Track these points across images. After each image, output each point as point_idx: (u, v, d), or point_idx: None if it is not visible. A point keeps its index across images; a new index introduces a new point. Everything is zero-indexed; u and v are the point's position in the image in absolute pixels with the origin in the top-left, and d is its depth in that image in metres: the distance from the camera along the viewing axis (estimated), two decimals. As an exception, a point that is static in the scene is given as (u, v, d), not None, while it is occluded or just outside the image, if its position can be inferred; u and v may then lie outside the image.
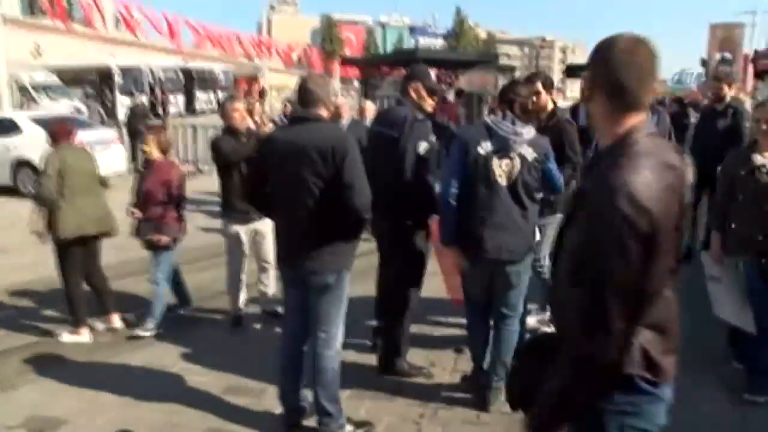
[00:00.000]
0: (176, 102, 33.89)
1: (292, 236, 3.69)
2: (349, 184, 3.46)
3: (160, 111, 30.76)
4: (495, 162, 3.77)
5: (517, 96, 3.97)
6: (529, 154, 3.84)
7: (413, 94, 4.30)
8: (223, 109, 5.46)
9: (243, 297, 5.81)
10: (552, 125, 4.87)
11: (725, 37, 48.90)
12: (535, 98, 4.67)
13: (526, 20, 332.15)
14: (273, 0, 47.72)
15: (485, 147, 3.81)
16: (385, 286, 4.69)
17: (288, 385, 3.91)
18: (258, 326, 5.82)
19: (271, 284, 5.84)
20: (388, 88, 13.93)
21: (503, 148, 3.81)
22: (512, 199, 3.84)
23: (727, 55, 48.41)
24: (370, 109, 8.53)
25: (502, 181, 3.80)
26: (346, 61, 24.02)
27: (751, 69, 30.82)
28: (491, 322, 4.22)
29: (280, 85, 49.54)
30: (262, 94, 40.05)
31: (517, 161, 3.80)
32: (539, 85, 4.95)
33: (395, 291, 4.51)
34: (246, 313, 5.92)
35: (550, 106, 5.04)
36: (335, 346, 3.78)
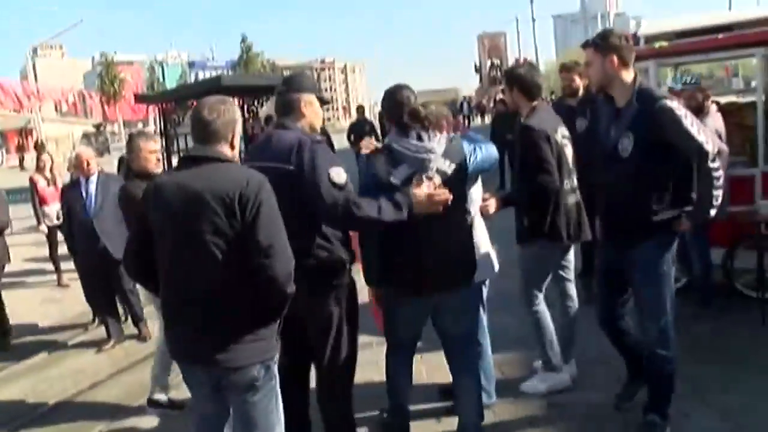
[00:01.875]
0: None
1: (190, 321, 2.65)
2: (264, 246, 2.52)
3: None
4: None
5: (407, 104, 3.41)
6: (448, 167, 3.28)
7: (305, 110, 3.25)
8: (132, 147, 4.41)
9: None
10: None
11: (492, 45, 53.71)
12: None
13: (298, 47, 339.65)
14: (35, 43, 43.39)
15: (399, 175, 3.21)
16: (322, 380, 3.40)
17: None
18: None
19: None
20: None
21: (420, 170, 3.22)
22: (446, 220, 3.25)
23: (496, 60, 53.20)
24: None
25: None
26: (140, 99, 22.21)
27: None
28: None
29: (57, 136, 45.40)
30: (38, 147, 36.49)
31: (438, 179, 3.24)
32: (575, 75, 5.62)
33: (335, 380, 3.36)
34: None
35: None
36: None
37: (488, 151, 3.59)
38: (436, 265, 3.24)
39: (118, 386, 5.16)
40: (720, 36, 5.18)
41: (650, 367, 3.56)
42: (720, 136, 5.01)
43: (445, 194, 3.11)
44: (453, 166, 3.28)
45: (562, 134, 4.03)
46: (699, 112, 5.10)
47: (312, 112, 3.27)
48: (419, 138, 3.25)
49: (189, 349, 2.71)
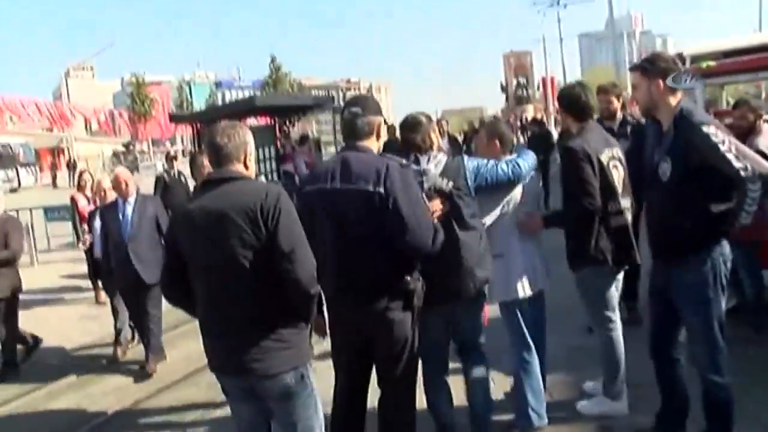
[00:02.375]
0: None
1: (225, 334, 2.80)
2: (287, 251, 2.66)
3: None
4: None
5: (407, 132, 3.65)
6: (445, 185, 3.47)
7: (381, 133, 3.31)
8: (196, 164, 4.63)
9: None
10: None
11: (518, 64, 53.53)
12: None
13: (326, 66, 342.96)
14: (69, 65, 44.40)
15: None
16: (384, 415, 3.39)
17: None
18: None
19: None
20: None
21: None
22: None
23: (522, 79, 53.03)
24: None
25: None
26: (174, 119, 22.53)
27: (551, 90, 33.75)
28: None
29: (87, 154, 46.24)
30: (71, 165, 37.12)
31: (436, 198, 3.46)
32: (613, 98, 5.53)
33: (396, 417, 3.37)
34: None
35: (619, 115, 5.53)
36: None
37: (524, 163, 3.80)
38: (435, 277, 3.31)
39: (160, 403, 5.17)
40: (769, 55, 5.11)
41: (705, 394, 3.46)
42: (772, 156, 4.91)
43: (436, 205, 3.38)
44: (450, 183, 3.48)
45: (611, 155, 3.95)
46: (751, 131, 5.03)
47: (383, 135, 3.33)
48: (416, 161, 3.50)
49: (225, 361, 2.85)
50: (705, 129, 3.12)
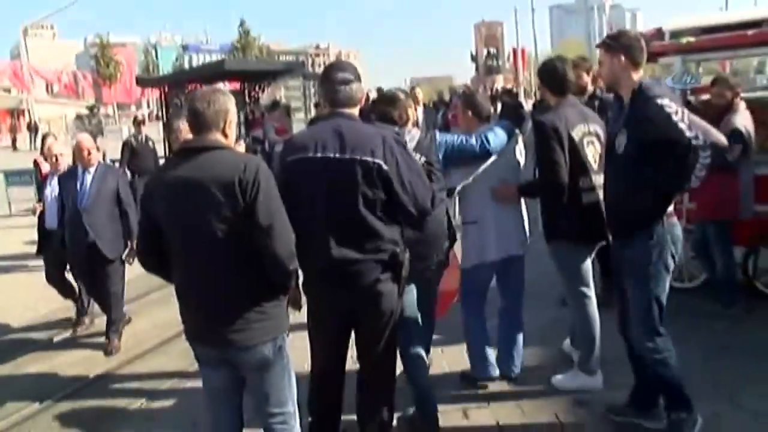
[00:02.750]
0: None
1: (203, 305, 2.78)
2: (265, 225, 2.63)
3: None
4: None
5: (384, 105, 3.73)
6: (419, 159, 3.42)
7: (362, 102, 3.24)
8: (172, 128, 4.38)
9: None
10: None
11: (489, 34, 53.40)
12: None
13: (295, 31, 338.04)
14: (27, 23, 42.63)
15: None
16: (370, 374, 3.36)
17: None
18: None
19: None
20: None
21: None
22: None
23: (492, 49, 52.93)
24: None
25: None
26: (142, 82, 21.95)
27: (521, 62, 33.67)
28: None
29: (49, 117, 44.94)
30: (32, 128, 36.05)
31: None
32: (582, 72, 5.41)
33: (384, 373, 3.36)
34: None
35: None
36: (295, 428, 2.99)
37: (494, 137, 3.95)
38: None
39: (133, 371, 5.10)
40: (749, 33, 5.10)
41: (642, 364, 3.55)
42: (749, 134, 4.95)
43: None
44: (423, 158, 3.51)
45: (586, 131, 3.93)
46: (728, 109, 5.04)
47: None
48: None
49: (203, 332, 2.83)
50: (659, 101, 3.17)
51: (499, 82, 40.44)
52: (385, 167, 2.92)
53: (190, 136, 2.96)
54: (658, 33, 5.67)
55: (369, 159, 2.92)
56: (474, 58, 52.29)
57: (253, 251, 2.67)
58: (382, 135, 3.01)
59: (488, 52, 53.60)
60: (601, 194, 3.83)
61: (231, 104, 2.83)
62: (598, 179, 3.87)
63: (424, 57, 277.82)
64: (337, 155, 2.93)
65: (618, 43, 3.38)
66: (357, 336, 3.26)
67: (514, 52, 35.73)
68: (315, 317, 3.23)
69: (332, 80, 3.07)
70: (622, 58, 3.31)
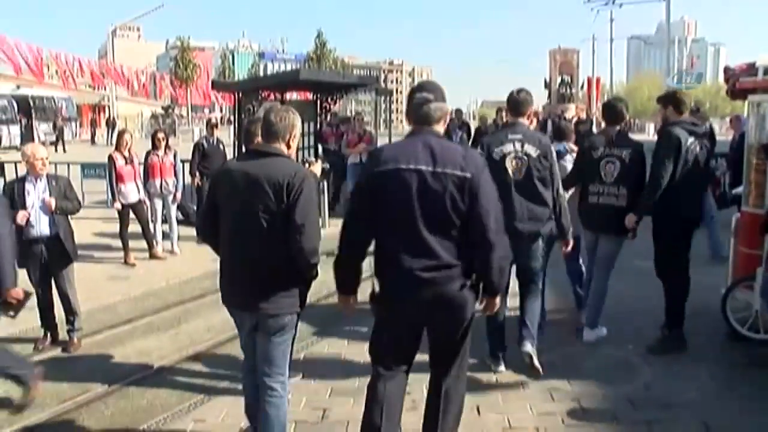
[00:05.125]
0: (9, 133, 30.51)
1: (242, 278, 3.46)
2: (299, 224, 3.24)
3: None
4: None
5: None
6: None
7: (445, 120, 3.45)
8: (248, 132, 4.47)
9: None
10: None
11: (564, 61, 52.62)
12: None
13: (369, 46, 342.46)
14: (116, 24, 44.66)
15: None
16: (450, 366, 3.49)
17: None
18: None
19: None
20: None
21: None
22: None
23: (567, 77, 52.13)
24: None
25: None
26: (217, 86, 22.46)
27: (596, 91, 33.14)
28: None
29: (127, 114, 46.69)
30: (110, 124, 37.48)
31: None
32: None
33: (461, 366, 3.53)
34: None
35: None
36: (287, 391, 3.63)
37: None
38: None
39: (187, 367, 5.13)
40: None
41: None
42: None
43: None
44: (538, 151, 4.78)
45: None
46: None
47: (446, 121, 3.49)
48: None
49: (240, 298, 3.51)
50: None
51: (571, 111, 39.76)
52: (471, 179, 3.11)
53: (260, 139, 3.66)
54: (750, 68, 5.40)
55: (458, 172, 3.10)
56: (547, 85, 51.60)
57: (285, 242, 3.26)
58: (468, 150, 3.39)
59: (562, 80, 52.76)
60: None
61: (297, 121, 3.48)
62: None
63: (497, 79, 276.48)
64: (430, 168, 3.11)
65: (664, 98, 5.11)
66: (431, 338, 3.40)
67: (589, 80, 35.16)
68: (389, 321, 3.36)
69: (411, 99, 3.33)
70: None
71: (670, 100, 5.24)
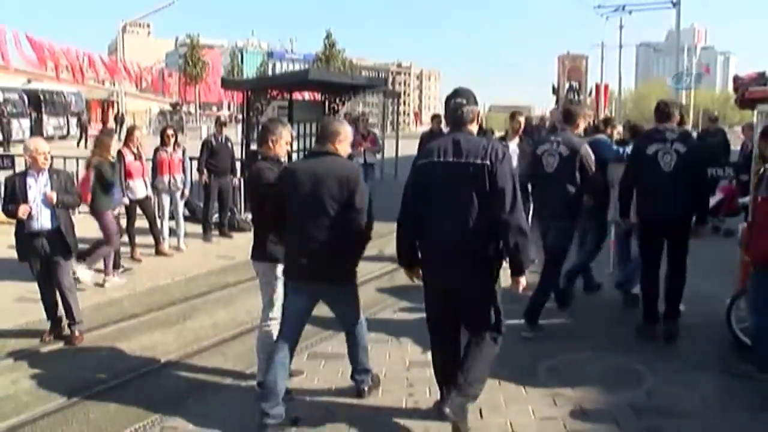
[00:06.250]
0: (20, 126, 30.58)
1: (309, 252, 4.13)
2: (358, 207, 4.09)
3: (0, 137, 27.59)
4: None
5: None
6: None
7: (477, 120, 4.11)
8: (275, 133, 4.62)
9: None
10: None
11: (572, 67, 52.49)
12: None
13: (377, 48, 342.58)
14: (126, 20, 44.87)
15: None
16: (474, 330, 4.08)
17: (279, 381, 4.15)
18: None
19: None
20: (273, 113, 12.99)
21: None
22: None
23: (575, 83, 52.03)
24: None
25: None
26: (226, 84, 22.50)
27: (603, 97, 33.06)
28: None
29: (135, 110, 46.77)
30: (118, 120, 37.53)
31: None
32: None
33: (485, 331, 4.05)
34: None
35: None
36: (364, 328, 4.57)
37: None
38: None
39: (191, 363, 5.16)
40: None
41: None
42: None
43: None
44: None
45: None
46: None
47: (479, 121, 4.15)
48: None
49: (303, 270, 4.19)
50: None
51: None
52: (490, 166, 3.73)
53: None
54: (760, 77, 5.41)
55: (479, 161, 3.76)
56: (555, 91, 51.48)
57: (348, 222, 4.09)
58: (490, 142, 3.93)
59: (570, 86, 52.62)
60: None
61: (343, 128, 4.33)
62: None
63: (505, 84, 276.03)
64: (455, 159, 3.82)
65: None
66: (461, 301, 3.99)
67: (597, 87, 35.07)
68: (427, 284, 4.10)
69: (448, 104, 4.06)
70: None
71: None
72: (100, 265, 7.50)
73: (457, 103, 3.97)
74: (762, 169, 4.86)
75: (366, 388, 4.57)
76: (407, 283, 4.62)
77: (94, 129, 39.91)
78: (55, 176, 5.78)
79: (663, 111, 5.64)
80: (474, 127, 4.00)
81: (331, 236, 4.07)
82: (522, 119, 8.64)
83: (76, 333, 5.73)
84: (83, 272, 7.02)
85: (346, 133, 4.27)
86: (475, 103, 4.03)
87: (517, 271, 3.86)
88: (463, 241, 3.79)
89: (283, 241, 4.32)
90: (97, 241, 7.49)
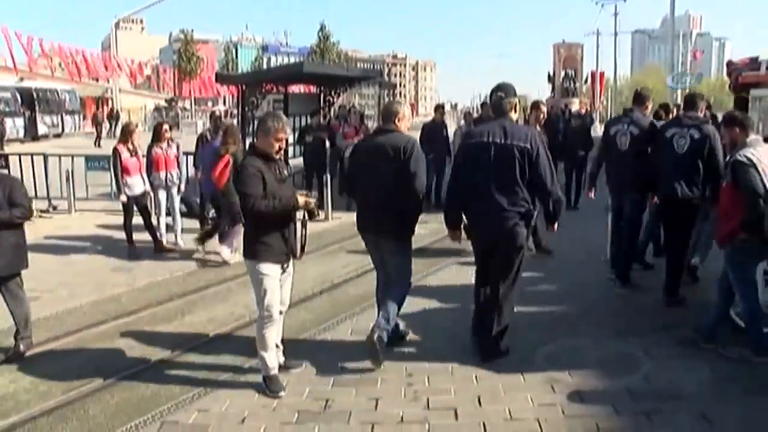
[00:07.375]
0: (14, 125, 30.43)
1: (373, 211, 5.07)
2: (412, 172, 4.86)
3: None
4: None
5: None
6: None
7: (516, 109, 5.04)
8: (269, 129, 4.47)
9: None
10: None
11: (568, 55, 52.44)
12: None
13: (373, 40, 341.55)
14: (119, 17, 44.67)
15: None
16: (504, 279, 4.98)
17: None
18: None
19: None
20: (268, 107, 12.98)
21: None
22: None
23: (571, 71, 51.98)
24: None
25: None
26: (221, 79, 22.45)
27: (599, 85, 33.09)
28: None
29: (130, 107, 46.57)
30: (113, 116, 37.34)
31: None
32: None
33: (514, 279, 5.04)
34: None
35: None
36: (409, 283, 5.24)
37: None
38: None
39: (186, 361, 5.18)
40: None
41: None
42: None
43: None
44: None
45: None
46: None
47: (518, 110, 5.11)
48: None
49: (370, 225, 5.14)
50: None
51: (575, 105, 39.65)
52: (531, 149, 4.71)
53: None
54: (753, 62, 5.42)
55: (521, 144, 4.73)
56: (551, 79, 51.44)
57: (404, 186, 4.86)
58: (531, 130, 5.07)
59: (566, 74, 52.53)
60: None
61: (402, 108, 5.16)
62: None
63: (501, 73, 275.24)
64: (502, 141, 4.78)
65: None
66: (496, 256, 4.94)
67: (593, 75, 35.08)
68: (474, 243, 5.22)
69: (492, 97, 5.17)
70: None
71: None
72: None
73: (499, 96, 5.02)
74: (728, 157, 4.89)
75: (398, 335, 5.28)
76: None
77: (90, 126, 39.95)
78: None
79: (689, 102, 6.48)
80: (514, 115, 4.98)
81: (388, 196, 4.89)
82: (545, 109, 8.92)
83: (21, 348, 5.27)
84: (225, 252, 8.08)
85: (404, 113, 5.11)
86: (514, 95, 5.04)
87: (552, 221, 5.12)
88: (509, 203, 4.73)
89: (270, 238, 4.45)
90: (221, 223, 8.26)
